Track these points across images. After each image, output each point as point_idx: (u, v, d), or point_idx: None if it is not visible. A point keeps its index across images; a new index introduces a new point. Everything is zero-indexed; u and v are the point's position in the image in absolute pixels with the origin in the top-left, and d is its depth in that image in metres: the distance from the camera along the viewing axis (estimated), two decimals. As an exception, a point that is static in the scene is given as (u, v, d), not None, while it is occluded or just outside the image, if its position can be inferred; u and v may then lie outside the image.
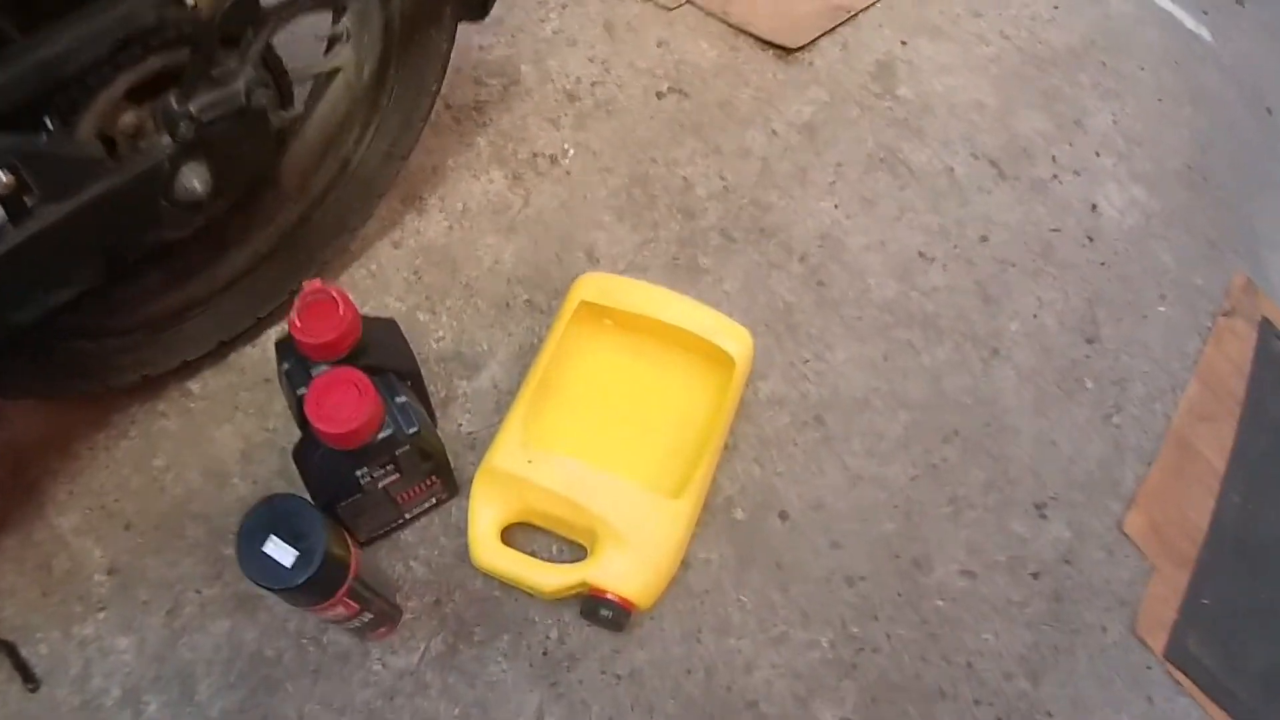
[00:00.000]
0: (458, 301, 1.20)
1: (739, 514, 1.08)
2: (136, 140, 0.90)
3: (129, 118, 0.89)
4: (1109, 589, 1.10)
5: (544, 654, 0.99)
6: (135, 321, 1.08)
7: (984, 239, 1.33)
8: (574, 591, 0.99)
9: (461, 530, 1.03)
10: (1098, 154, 1.48)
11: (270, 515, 0.80)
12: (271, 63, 0.99)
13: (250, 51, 0.91)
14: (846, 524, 1.09)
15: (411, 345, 1.00)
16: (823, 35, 1.48)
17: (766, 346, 1.18)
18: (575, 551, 1.04)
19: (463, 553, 1.02)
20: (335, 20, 1.07)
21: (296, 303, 0.88)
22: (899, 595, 1.06)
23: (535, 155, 1.33)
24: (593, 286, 1.12)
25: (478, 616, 1.01)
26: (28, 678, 0.98)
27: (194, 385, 1.14)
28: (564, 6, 1.50)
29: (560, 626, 1.01)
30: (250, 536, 0.78)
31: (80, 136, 0.85)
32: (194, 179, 0.93)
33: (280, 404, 1.11)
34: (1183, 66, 1.65)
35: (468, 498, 1.03)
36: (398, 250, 1.24)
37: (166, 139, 0.89)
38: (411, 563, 1.03)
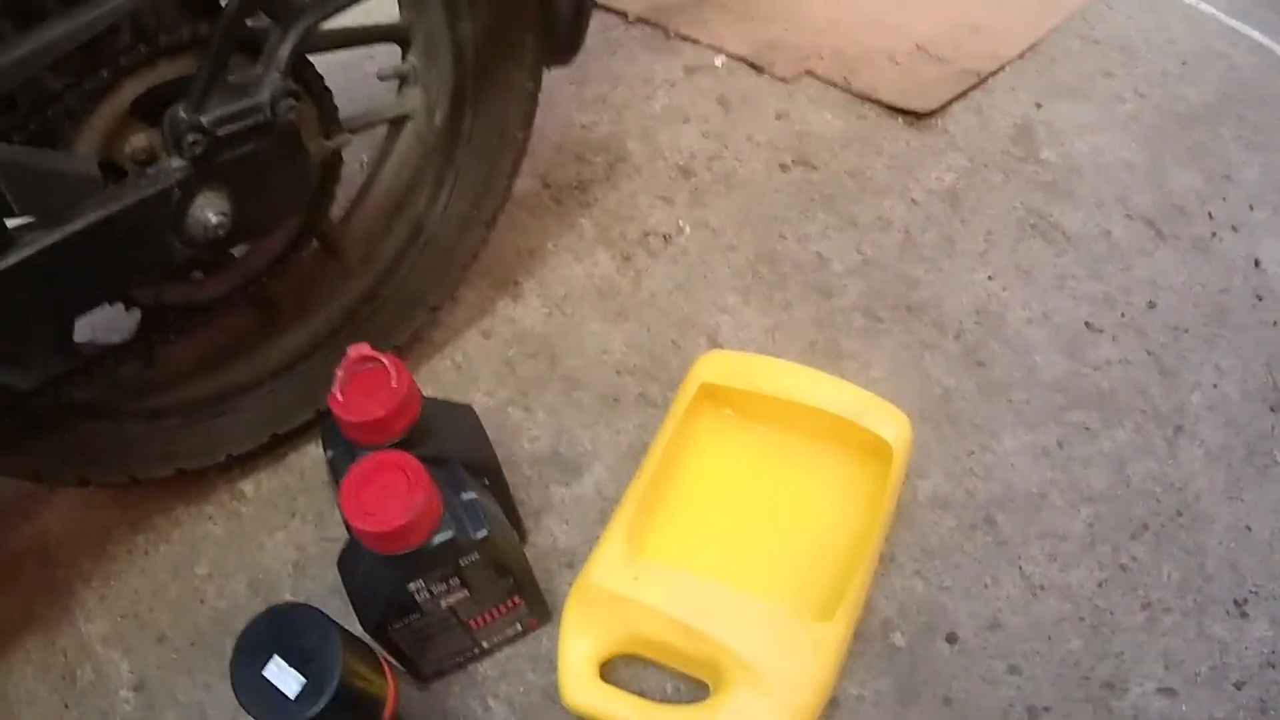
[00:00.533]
0: (556, 396, 1.10)
1: (898, 639, 0.94)
2: (148, 167, 0.78)
3: (139, 139, 0.77)
4: (1317, 692, 0.94)
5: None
6: (167, 404, 0.97)
7: (1152, 305, 1.19)
8: (694, 742, 0.82)
9: (553, 663, 0.89)
10: (1252, 208, 1.34)
11: (274, 629, 0.66)
12: (309, 78, 0.85)
13: (277, 54, 0.77)
14: (1026, 644, 0.94)
15: (503, 447, 0.90)
16: (954, 100, 1.37)
17: (924, 439, 1.05)
18: (694, 690, 0.88)
19: (554, 690, 0.88)
20: (403, 55, 0.95)
21: (339, 372, 0.74)
22: (1091, 723, 0.91)
23: (646, 234, 1.23)
24: (716, 366, 0.98)
25: (569, 770, 0.86)
26: None
27: (246, 486, 1.05)
28: (673, 84, 1.42)
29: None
30: (247, 655, 0.64)
31: (78, 153, 0.73)
32: (209, 210, 0.78)
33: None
34: (1321, 113, 1.52)
35: (557, 624, 0.89)
36: (488, 340, 1.15)
37: (177, 161, 0.76)
38: (490, 701, 0.90)
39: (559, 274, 1.21)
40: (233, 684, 0.63)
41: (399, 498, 0.68)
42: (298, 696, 0.62)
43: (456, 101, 0.99)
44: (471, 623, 0.83)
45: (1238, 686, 0.94)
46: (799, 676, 0.81)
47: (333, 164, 0.93)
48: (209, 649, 0.95)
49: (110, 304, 0.88)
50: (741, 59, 1.42)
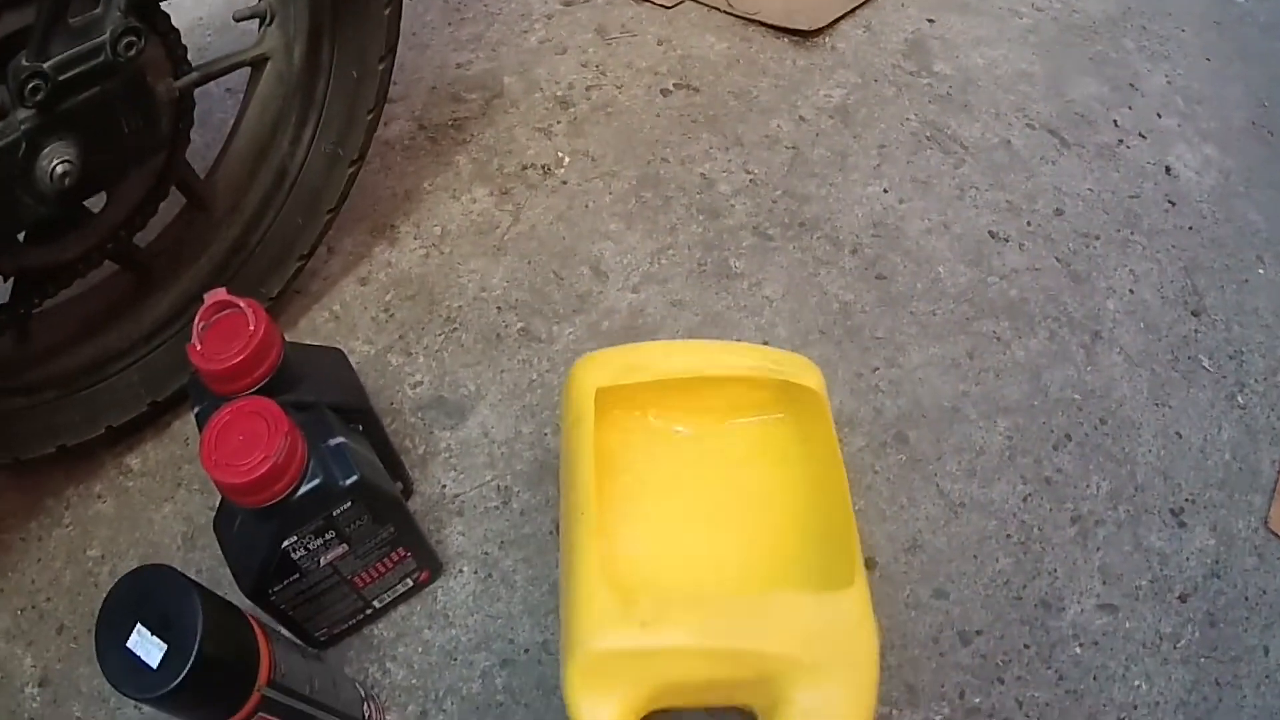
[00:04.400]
0: (437, 338, 0.97)
1: (812, 570, 0.81)
2: None
3: None
4: (1265, 601, 0.84)
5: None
6: (44, 378, 0.88)
7: (1059, 212, 1.07)
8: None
9: (450, 619, 0.78)
10: (1159, 115, 1.24)
11: (134, 596, 0.55)
12: (155, 18, 0.77)
13: None
14: (951, 565, 0.82)
15: (385, 395, 0.79)
16: (842, 19, 1.24)
17: (826, 357, 0.92)
18: None
19: (453, 649, 0.77)
20: None
21: (197, 320, 0.66)
22: (1026, 647, 0.79)
23: (525, 168, 1.09)
24: (600, 368, 0.79)
25: (475, 732, 0.74)
26: None
27: (133, 460, 0.94)
28: (550, 17, 1.28)
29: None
30: (110, 627, 0.54)
31: None
32: (55, 160, 0.71)
33: None
34: (1224, 26, 1.44)
35: (450, 577, 0.76)
36: (365, 287, 1.01)
37: (23, 111, 0.68)
38: (388, 664, 0.78)
39: (436, 214, 1.07)
40: (99, 660, 0.53)
41: (259, 446, 0.60)
42: (159, 665, 0.52)
43: (314, 36, 0.89)
44: (356, 579, 0.73)
45: (1182, 599, 0.84)
46: (855, 651, 0.66)
47: (185, 107, 0.83)
48: None
49: None
50: (620, -11, 1.28)
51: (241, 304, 0.66)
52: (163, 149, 0.84)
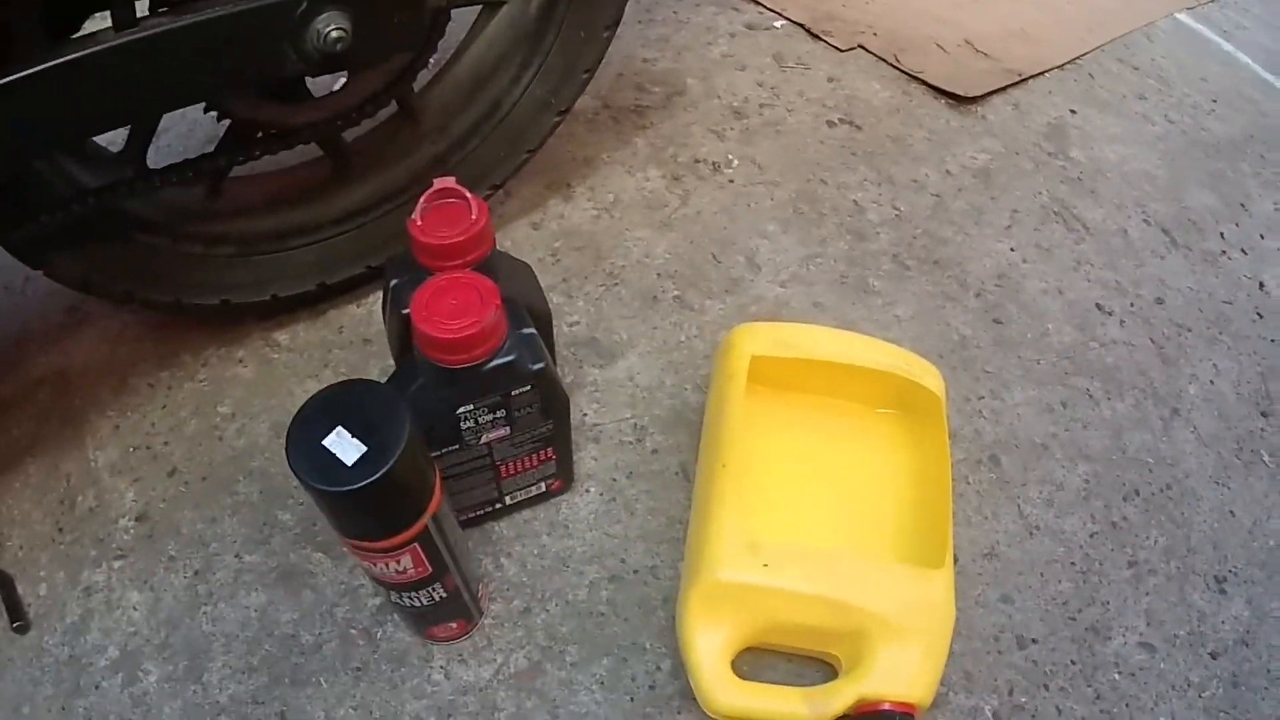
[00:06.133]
0: (598, 288, 1.05)
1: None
2: None
3: None
4: (1287, 679, 0.89)
5: (650, 688, 0.78)
6: (225, 233, 0.91)
7: (1159, 301, 1.15)
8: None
9: (570, 531, 0.84)
10: (1262, 236, 1.31)
11: (340, 403, 0.56)
12: None
13: None
14: (1020, 577, 0.90)
15: None
16: (994, 92, 1.33)
17: (940, 377, 1.01)
18: (812, 672, 0.80)
19: (567, 557, 0.83)
20: None
21: (421, 201, 0.69)
22: (1073, 663, 0.86)
23: (696, 161, 1.18)
24: (758, 338, 0.87)
25: (574, 634, 0.80)
26: (16, 617, 0.80)
27: (281, 336, 0.98)
28: (733, 36, 1.37)
29: (674, 657, 0.79)
30: (307, 424, 0.55)
31: None
32: (332, 25, 0.74)
33: (378, 368, 0.95)
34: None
35: (577, 494, 0.82)
36: (536, 231, 1.09)
37: None
38: (503, 560, 0.84)
39: (610, 183, 1.15)
40: (287, 452, 0.54)
41: (471, 312, 0.63)
42: (355, 463, 0.53)
43: None
44: (503, 468, 0.77)
45: (1213, 656, 0.90)
46: (934, 625, 0.74)
47: (441, 21, 0.88)
48: (220, 485, 0.88)
49: (206, 105, 0.83)
50: (800, 25, 1.38)
51: (467, 195, 0.69)
52: (413, 52, 0.87)
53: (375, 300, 1.02)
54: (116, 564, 0.83)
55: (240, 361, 0.96)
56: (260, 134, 0.88)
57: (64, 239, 0.82)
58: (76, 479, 0.88)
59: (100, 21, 0.70)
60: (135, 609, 0.81)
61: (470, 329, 0.62)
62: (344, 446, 0.54)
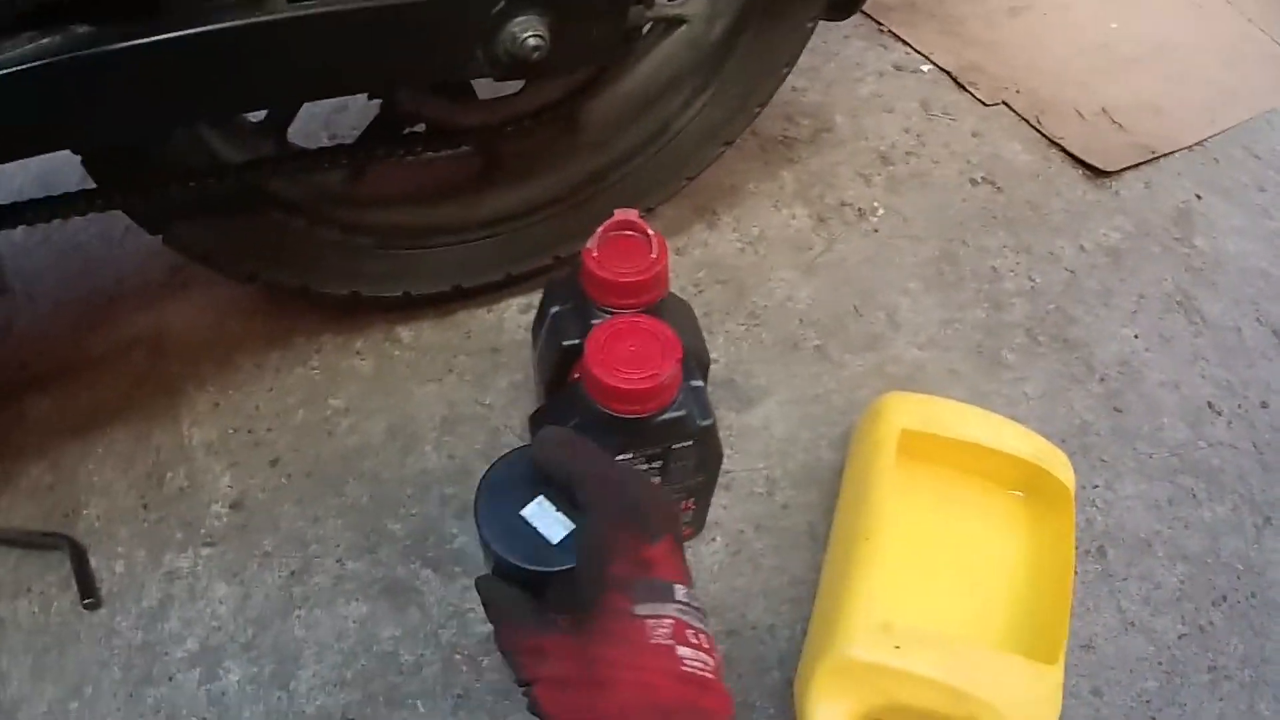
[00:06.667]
0: (739, 326, 1.07)
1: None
2: None
3: None
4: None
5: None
6: (365, 222, 0.89)
7: (1264, 405, 1.18)
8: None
9: (694, 580, 0.86)
10: (1368, 351, 1.33)
11: (536, 469, 0.52)
12: None
13: None
14: (1111, 672, 0.94)
15: None
16: (1128, 168, 1.35)
17: (1059, 462, 1.04)
18: None
19: None
20: None
21: (599, 231, 0.67)
22: (1149, 759, 0.90)
23: (843, 204, 1.21)
24: (909, 410, 0.88)
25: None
26: (87, 592, 0.77)
27: (405, 333, 0.96)
28: (881, 75, 1.39)
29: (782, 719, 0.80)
30: (501, 490, 0.52)
31: None
32: (530, 31, 0.70)
33: (505, 381, 0.93)
34: None
35: (703, 542, 0.79)
36: (680, 257, 1.10)
37: None
38: None
39: (756, 215, 1.17)
40: (477, 518, 0.52)
41: (651, 362, 0.61)
42: (561, 541, 0.50)
43: (741, 19, 0.92)
44: None
45: None
46: (1040, 718, 0.76)
47: (634, 37, 0.87)
48: (327, 483, 0.85)
49: (371, 95, 0.81)
50: (946, 72, 1.39)
51: (649, 231, 0.68)
52: (601, 65, 0.86)
53: (507, 308, 1.03)
54: (205, 551, 0.80)
55: (358, 353, 0.93)
56: (416, 128, 0.86)
57: (188, 207, 0.79)
58: (167, 453, 0.85)
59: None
60: (221, 602, 0.79)
61: (649, 382, 0.61)
62: (547, 520, 0.51)
